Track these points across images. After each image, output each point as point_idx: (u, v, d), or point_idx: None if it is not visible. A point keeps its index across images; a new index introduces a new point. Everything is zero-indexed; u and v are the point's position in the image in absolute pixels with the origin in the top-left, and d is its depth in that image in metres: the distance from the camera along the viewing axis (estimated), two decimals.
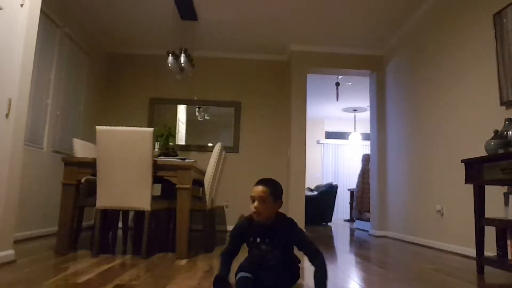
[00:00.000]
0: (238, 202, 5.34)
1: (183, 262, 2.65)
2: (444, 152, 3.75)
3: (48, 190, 3.97)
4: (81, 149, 3.40)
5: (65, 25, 4.23)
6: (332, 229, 6.22)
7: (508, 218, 2.39)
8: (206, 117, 5.63)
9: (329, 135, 9.95)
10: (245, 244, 1.91)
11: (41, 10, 2.92)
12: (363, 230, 5.97)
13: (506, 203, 2.43)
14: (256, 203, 1.80)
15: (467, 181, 2.64)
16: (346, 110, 8.71)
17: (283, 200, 1.91)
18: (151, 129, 2.78)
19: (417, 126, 4.33)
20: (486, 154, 2.47)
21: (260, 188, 1.82)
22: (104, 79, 5.50)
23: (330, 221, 7.56)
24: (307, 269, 2.55)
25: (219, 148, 3.45)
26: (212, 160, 3.37)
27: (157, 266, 2.46)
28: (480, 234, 2.52)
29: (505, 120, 2.52)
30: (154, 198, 2.88)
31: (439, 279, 2.32)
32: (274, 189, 1.85)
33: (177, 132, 5.44)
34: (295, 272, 1.94)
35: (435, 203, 3.85)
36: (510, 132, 2.43)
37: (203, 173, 3.44)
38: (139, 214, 3.78)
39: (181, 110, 5.64)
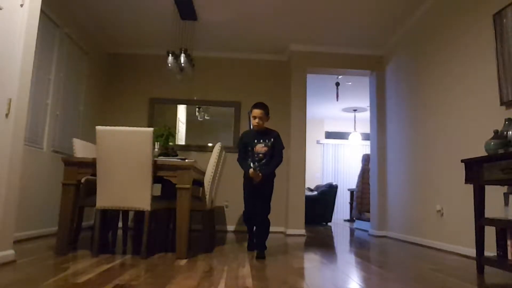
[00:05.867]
0: (238, 202, 5.31)
1: (183, 262, 2.65)
2: (444, 152, 3.75)
3: (48, 190, 3.97)
4: (81, 149, 3.40)
5: (65, 25, 4.23)
6: (332, 229, 6.22)
7: (508, 218, 2.39)
8: (206, 117, 5.63)
9: (329, 135, 9.95)
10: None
11: (41, 10, 2.92)
12: (363, 230, 5.97)
13: (506, 203, 2.43)
14: (257, 120, 3.02)
15: (467, 181, 2.64)
16: (346, 110, 8.71)
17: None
18: (151, 129, 2.78)
19: (417, 126, 4.33)
20: (486, 154, 2.47)
21: (258, 110, 3.02)
22: (104, 79, 5.50)
23: (330, 221, 7.56)
24: (308, 269, 2.55)
25: (219, 148, 3.45)
26: (212, 160, 3.37)
27: (157, 266, 2.46)
28: (480, 234, 2.52)
29: (505, 120, 2.52)
30: (154, 198, 2.87)
31: (439, 279, 2.32)
32: (266, 110, 3.06)
33: (177, 132, 5.44)
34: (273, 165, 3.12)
35: (435, 203, 3.85)
36: (510, 132, 2.43)
37: (203, 173, 3.44)
38: (139, 214, 3.78)
39: (181, 110, 5.64)
